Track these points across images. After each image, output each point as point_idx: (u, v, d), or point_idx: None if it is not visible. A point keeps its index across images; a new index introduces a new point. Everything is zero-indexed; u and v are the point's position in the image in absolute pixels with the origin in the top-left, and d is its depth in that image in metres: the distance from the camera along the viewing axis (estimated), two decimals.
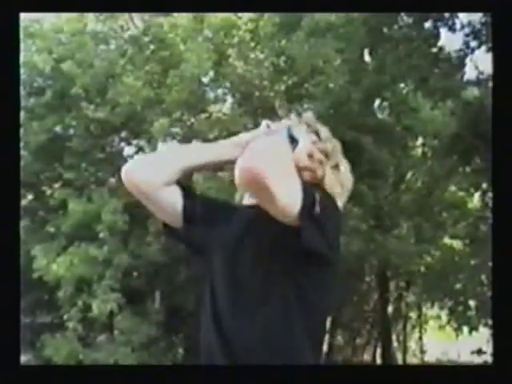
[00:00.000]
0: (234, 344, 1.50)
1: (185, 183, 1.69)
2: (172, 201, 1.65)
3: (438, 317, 12.91)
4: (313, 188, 1.53)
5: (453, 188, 10.80)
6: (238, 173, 1.38)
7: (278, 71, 9.18)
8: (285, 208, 1.42)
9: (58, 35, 9.77)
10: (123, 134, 10.41)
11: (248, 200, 1.69)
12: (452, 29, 9.28)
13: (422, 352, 14.41)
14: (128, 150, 10.70)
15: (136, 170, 1.62)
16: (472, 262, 10.16)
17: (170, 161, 1.66)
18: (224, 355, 1.50)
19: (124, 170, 1.63)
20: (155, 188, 1.61)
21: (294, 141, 1.60)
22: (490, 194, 9.73)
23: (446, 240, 11.20)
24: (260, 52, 9.03)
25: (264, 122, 1.72)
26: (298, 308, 1.52)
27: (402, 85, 9.71)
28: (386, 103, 9.98)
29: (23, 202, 9.64)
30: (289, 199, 1.42)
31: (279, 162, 1.43)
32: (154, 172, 1.61)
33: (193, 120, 9.09)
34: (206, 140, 8.87)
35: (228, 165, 1.69)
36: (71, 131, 9.96)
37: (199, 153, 1.71)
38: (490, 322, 9.50)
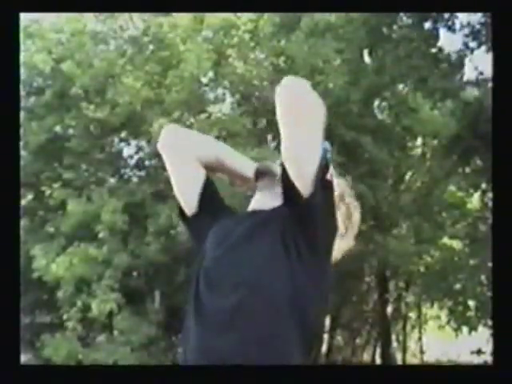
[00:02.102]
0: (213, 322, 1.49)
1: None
2: (194, 179, 1.70)
3: (438, 317, 12.92)
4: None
5: (452, 188, 10.82)
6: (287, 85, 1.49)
7: (277, 71, 9.18)
8: (303, 158, 1.50)
9: (58, 35, 9.77)
10: (123, 134, 10.40)
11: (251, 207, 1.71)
12: (451, 29, 9.29)
13: (422, 352, 14.41)
14: (127, 151, 10.71)
15: (175, 139, 1.70)
16: (471, 262, 10.17)
17: (208, 143, 1.78)
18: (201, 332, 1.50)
19: (165, 136, 1.70)
20: (185, 157, 1.69)
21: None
22: (489, 194, 9.74)
23: (446, 240, 11.21)
24: (259, 52, 9.04)
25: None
26: (287, 292, 1.50)
27: (402, 85, 9.73)
28: (385, 103, 10.00)
29: (23, 202, 9.63)
30: (309, 153, 1.50)
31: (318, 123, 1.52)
32: (191, 144, 1.70)
33: (192, 120, 9.08)
34: None
35: (241, 182, 1.79)
36: (71, 131, 9.95)
37: (235, 156, 1.79)
38: (489, 322, 9.51)
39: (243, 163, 1.79)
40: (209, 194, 1.71)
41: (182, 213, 1.74)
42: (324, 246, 1.58)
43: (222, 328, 1.47)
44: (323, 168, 1.51)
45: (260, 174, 1.72)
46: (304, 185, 1.50)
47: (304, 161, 1.50)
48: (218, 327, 1.47)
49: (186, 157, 1.70)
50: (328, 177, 1.52)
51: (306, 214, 1.52)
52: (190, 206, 1.71)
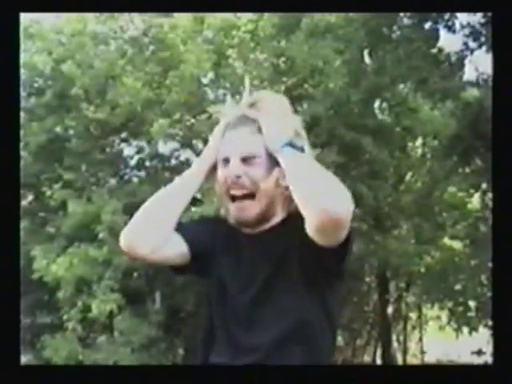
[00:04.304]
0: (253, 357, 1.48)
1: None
2: (177, 249, 1.57)
3: (438, 317, 12.91)
4: None
5: (452, 189, 10.82)
6: (321, 215, 1.32)
7: (277, 72, 9.19)
8: (341, 238, 1.42)
9: (58, 36, 9.77)
10: (123, 135, 10.40)
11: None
12: (452, 30, 9.27)
13: (422, 353, 14.40)
14: (128, 151, 10.71)
15: (136, 245, 1.54)
16: (472, 263, 10.18)
17: (163, 221, 1.55)
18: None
19: (123, 243, 1.55)
20: (160, 251, 1.55)
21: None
22: (489, 195, 9.73)
23: (446, 240, 11.22)
24: (260, 53, 9.04)
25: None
26: (322, 318, 1.53)
27: (402, 86, 9.72)
28: (385, 104, 10.00)
29: (23, 203, 9.63)
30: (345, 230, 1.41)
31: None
32: (154, 240, 1.53)
33: (193, 121, 9.09)
34: (206, 141, 8.89)
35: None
36: (71, 132, 9.96)
37: (185, 190, 1.61)
38: (489, 322, 9.51)
39: (198, 174, 1.62)
40: (194, 241, 1.59)
41: (176, 268, 1.63)
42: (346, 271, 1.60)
43: (260, 362, 1.47)
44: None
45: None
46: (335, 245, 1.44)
47: (342, 234, 1.42)
48: (257, 362, 1.47)
49: (158, 253, 1.55)
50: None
51: (338, 271, 1.53)
52: (184, 261, 1.60)
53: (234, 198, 1.55)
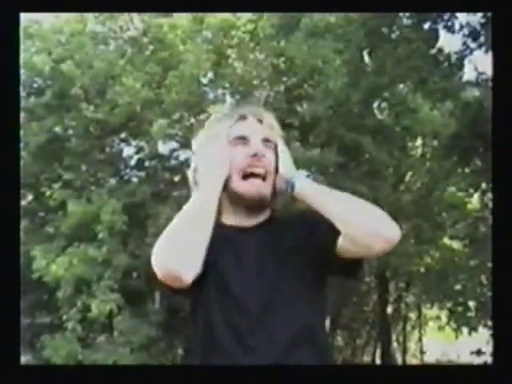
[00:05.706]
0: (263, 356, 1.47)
1: None
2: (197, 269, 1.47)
3: (438, 317, 12.93)
4: None
5: (452, 188, 10.81)
6: (386, 242, 1.40)
7: (277, 72, 9.19)
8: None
9: (58, 36, 9.77)
10: (123, 135, 10.40)
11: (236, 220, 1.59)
12: (451, 30, 9.29)
13: (422, 353, 14.43)
14: (127, 151, 10.72)
15: (181, 273, 1.39)
16: (471, 263, 10.18)
17: (202, 243, 1.43)
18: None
19: (164, 271, 1.41)
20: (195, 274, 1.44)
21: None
22: (489, 195, 9.74)
23: (446, 241, 11.22)
24: (259, 53, 9.04)
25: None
26: (324, 318, 1.59)
27: (402, 86, 9.73)
28: (385, 104, 10.00)
29: (23, 203, 9.63)
30: None
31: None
32: (197, 266, 1.42)
33: (192, 121, 9.09)
34: None
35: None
36: (71, 132, 9.96)
37: (211, 207, 1.48)
38: (489, 322, 9.51)
39: (218, 184, 1.52)
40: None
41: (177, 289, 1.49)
42: None
43: (265, 363, 1.46)
44: None
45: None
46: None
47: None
48: (262, 363, 1.46)
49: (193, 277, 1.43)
50: None
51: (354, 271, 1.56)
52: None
53: (246, 177, 1.54)
